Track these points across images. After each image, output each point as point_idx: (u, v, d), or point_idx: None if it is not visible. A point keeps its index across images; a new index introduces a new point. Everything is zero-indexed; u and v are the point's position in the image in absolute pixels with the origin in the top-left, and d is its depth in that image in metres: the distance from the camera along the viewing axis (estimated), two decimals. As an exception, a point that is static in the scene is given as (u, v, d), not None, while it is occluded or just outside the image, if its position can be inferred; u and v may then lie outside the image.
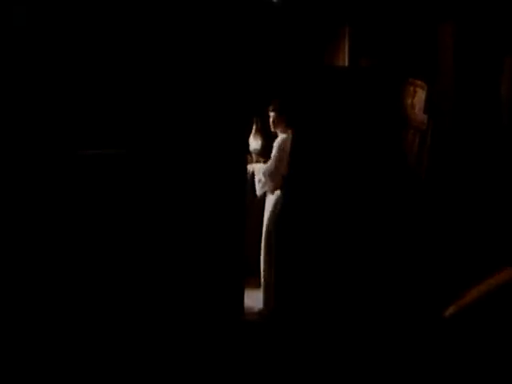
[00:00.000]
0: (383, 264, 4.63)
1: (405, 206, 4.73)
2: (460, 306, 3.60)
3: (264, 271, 5.29)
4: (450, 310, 3.63)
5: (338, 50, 5.30)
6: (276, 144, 5.28)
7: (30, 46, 3.75)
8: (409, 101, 4.98)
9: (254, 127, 5.61)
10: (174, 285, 4.07)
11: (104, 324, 3.89)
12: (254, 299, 5.24)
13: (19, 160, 3.77)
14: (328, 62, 5.40)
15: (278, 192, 5.27)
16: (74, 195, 3.85)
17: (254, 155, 5.61)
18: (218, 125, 4.22)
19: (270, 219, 5.28)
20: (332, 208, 4.79)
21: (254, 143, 5.59)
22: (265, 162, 5.45)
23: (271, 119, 5.33)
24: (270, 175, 5.27)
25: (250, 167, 5.43)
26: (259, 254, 5.31)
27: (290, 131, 5.21)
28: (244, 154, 4.62)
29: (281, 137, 5.29)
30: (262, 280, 5.31)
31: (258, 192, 5.40)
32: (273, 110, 5.31)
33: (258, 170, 5.40)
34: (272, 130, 5.38)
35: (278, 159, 5.23)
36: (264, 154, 5.58)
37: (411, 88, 4.94)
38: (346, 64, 5.25)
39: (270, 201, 5.33)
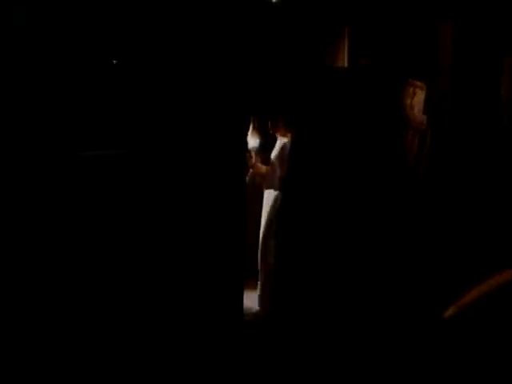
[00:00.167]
0: (383, 264, 4.63)
1: (404, 206, 4.73)
2: (460, 306, 3.60)
3: (261, 271, 5.30)
4: (450, 311, 3.62)
5: (338, 50, 5.31)
6: (274, 152, 5.32)
7: (30, 46, 3.75)
8: (408, 101, 4.98)
9: (252, 125, 5.62)
10: (173, 285, 4.07)
11: (104, 324, 3.88)
12: (252, 300, 5.24)
13: (19, 161, 3.76)
14: (328, 62, 5.40)
15: (276, 192, 5.28)
16: (75, 196, 3.85)
17: (252, 153, 5.61)
18: (217, 124, 4.21)
19: (268, 218, 5.28)
20: (331, 208, 4.79)
21: (252, 141, 5.60)
22: (263, 160, 5.47)
23: (270, 123, 5.36)
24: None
25: (253, 168, 5.46)
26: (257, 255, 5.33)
27: (289, 135, 5.23)
28: (243, 153, 4.62)
29: (280, 142, 5.31)
30: (260, 280, 5.31)
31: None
32: (274, 119, 5.35)
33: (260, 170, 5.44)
34: (270, 132, 5.41)
35: (276, 166, 5.28)
36: (262, 151, 5.60)
37: (411, 89, 4.95)
38: (346, 64, 5.26)
39: (269, 200, 5.33)
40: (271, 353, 4.40)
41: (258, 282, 5.32)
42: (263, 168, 5.51)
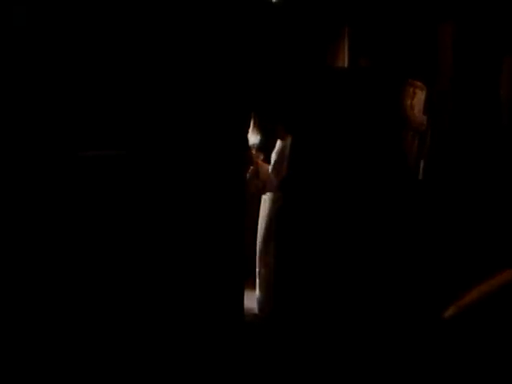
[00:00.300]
0: (383, 265, 4.63)
1: (404, 207, 4.73)
2: (460, 306, 3.60)
3: (260, 272, 5.29)
4: (450, 311, 3.62)
5: (338, 51, 5.30)
6: (275, 153, 5.32)
7: (30, 46, 3.75)
8: (408, 102, 4.98)
9: (252, 122, 5.61)
10: (173, 285, 4.07)
11: (104, 325, 3.88)
12: (253, 300, 5.23)
13: (19, 161, 3.76)
14: (328, 62, 5.40)
15: (276, 193, 5.27)
16: (75, 196, 3.85)
17: (253, 150, 5.61)
18: (217, 122, 4.21)
19: (268, 219, 5.28)
20: (331, 209, 4.79)
21: (253, 138, 5.59)
22: (264, 157, 5.47)
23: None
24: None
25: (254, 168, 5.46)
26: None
27: (288, 138, 5.22)
28: (243, 152, 4.61)
29: (279, 145, 5.31)
30: (259, 281, 5.30)
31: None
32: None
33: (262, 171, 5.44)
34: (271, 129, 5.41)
35: (277, 169, 5.28)
36: (263, 148, 5.59)
37: (411, 89, 4.94)
38: (346, 64, 5.26)
39: (269, 200, 5.33)
40: (271, 353, 4.40)
41: (257, 283, 5.31)
42: (264, 166, 5.50)
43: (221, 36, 4.17)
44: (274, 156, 5.33)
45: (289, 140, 5.19)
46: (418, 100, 4.89)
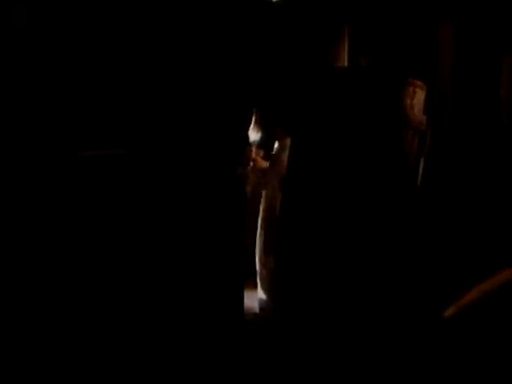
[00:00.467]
0: (382, 264, 4.63)
1: (404, 206, 4.73)
2: (460, 306, 3.60)
3: (260, 272, 5.29)
4: (450, 311, 3.63)
5: (338, 50, 5.29)
6: (273, 154, 5.32)
7: (30, 46, 3.74)
8: (408, 101, 4.97)
9: (254, 119, 5.60)
10: (173, 285, 4.07)
11: (104, 325, 3.88)
12: (253, 300, 5.23)
13: (18, 161, 3.76)
14: (327, 61, 5.39)
15: (276, 192, 5.27)
16: (75, 197, 3.85)
17: (254, 147, 5.60)
18: (218, 121, 4.21)
19: (267, 217, 5.28)
20: (331, 208, 4.79)
21: (254, 135, 5.59)
22: (264, 155, 5.46)
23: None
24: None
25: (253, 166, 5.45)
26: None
27: (287, 138, 5.22)
28: (244, 151, 4.62)
29: (278, 145, 5.31)
30: (260, 281, 5.30)
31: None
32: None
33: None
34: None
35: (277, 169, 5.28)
36: (264, 146, 5.58)
37: (410, 88, 4.93)
38: (345, 64, 5.24)
39: (268, 198, 5.33)
40: (271, 353, 4.40)
41: (258, 283, 5.31)
42: (263, 163, 5.50)
43: (221, 34, 4.17)
44: (273, 155, 5.33)
45: (288, 140, 5.19)
46: (417, 99, 4.88)
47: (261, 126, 5.64)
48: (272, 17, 4.99)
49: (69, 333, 3.81)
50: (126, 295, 3.93)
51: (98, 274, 3.88)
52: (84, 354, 3.83)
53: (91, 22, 3.90)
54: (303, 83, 4.99)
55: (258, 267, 5.28)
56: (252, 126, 5.62)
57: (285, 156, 5.20)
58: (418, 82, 4.91)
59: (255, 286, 5.34)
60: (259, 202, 5.44)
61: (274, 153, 5.35)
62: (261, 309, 5.26)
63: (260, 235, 5.31)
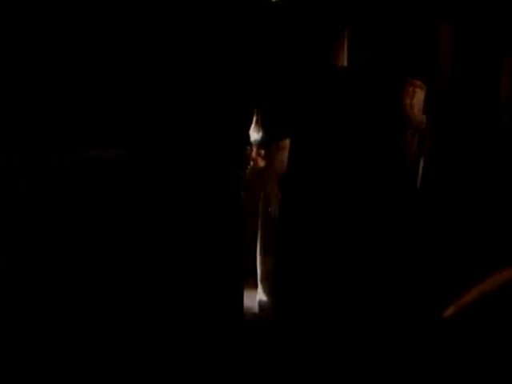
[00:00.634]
0: (382, 264, 4.63)
1: (404, 206, 4.73)
2: (460, 306, 3.60)
3: (260, 272, 5.28)
4: (450, 311, 3.63)
5: (337, 50, 5.29)
6: (273, 154, 5.31)
7: (29, 46, 3.74)
8: (408, 101, 4.97)
9: (255, 119, 5.60)
10: (173, 284, 4.07)
11: (103, 325, 3.88)
12: (253, 300, 5.23)
13: (19, 162, 3.76)
14: (328, 61, 5.39)
15: (276, 192, 5.27)
16: (75, 197, 3.84)
17: (254, 146, 5.60)
18: (219, 121, 4.21)
19: (266, 217, 5.27)
20: (331, 208, 4.79)
21: (255, 134, 5.59)
22: (265, 154, 5.45)
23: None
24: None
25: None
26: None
27: (287, 139, 5.22)
28: (244, 151, 4.61)
29: (275, 146, 5.29)
30: (260, 281, 5.30)
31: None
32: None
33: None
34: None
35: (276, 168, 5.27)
36: (265, 145, 5.58)
37: (410, 88, 4.93)
38: (345, 64, 5.24)
39: (268, 198, 5.32)
40: (271, 353, 4.39)
41: (258, 283, 5.31)
42: (264, 163, 5.49)
43: (222, 34, 4.17)
44: (270, 155, 5.32)
45: (287, 140, 5.18)
46: (417, 99, 4.88)
47: (262, 125, 5.64)
48: (272, 17, 4.99)
49: (68, 333, 3.81)
50: (126, 295, 3.93)
51: (98, 274, 3.88)
52: (84, 353, 3.83)
53: (91, 22, 3.90)
54: (303, 83, 4.99)
55: (258, 267, 5.28)
56: (253, 125, 5.62)
57: (282, 156, 5.20)
58: (418, 82, 4.91)
59: (255, 286, 5.34)
60: (259, 202, 5.43)
61: (271, 152, 5.34)
62: (260, 309, 5.25)
63: (260, 235, 5.30)
